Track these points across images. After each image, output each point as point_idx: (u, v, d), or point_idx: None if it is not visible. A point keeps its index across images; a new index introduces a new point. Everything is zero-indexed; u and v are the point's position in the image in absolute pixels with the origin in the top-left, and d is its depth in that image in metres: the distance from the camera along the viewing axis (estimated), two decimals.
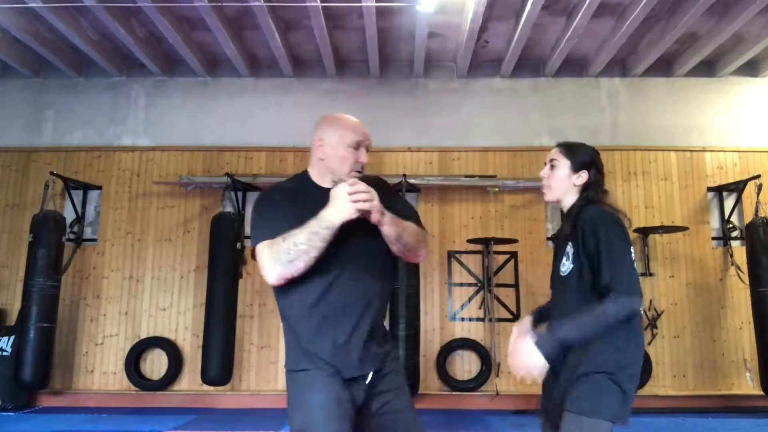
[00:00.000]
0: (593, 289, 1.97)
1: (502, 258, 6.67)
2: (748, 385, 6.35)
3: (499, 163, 6.86)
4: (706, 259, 6.64)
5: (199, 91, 7.11)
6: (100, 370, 6.45)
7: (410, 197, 6.63)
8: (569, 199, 2.15)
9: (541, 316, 2.28)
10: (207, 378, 5.89)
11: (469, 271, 6.67)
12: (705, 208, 6.76)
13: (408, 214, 2.04)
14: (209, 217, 6.35)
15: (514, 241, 6.53)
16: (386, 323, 2.19)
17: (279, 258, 1.83)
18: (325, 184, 1.98)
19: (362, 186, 1.82)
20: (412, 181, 6.49)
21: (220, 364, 5.84)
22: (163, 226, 6.76)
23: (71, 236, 6.54)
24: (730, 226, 6.64)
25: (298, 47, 6.71)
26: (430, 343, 6.47)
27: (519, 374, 1.97)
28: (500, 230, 6.68)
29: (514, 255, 6.66)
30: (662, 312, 6.47)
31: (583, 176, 2.13)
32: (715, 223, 6.75)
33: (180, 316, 6.56)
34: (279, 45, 6.20)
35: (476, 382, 6.34)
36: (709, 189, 6.78)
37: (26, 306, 5.86)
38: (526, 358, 1.94)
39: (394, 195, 2.11)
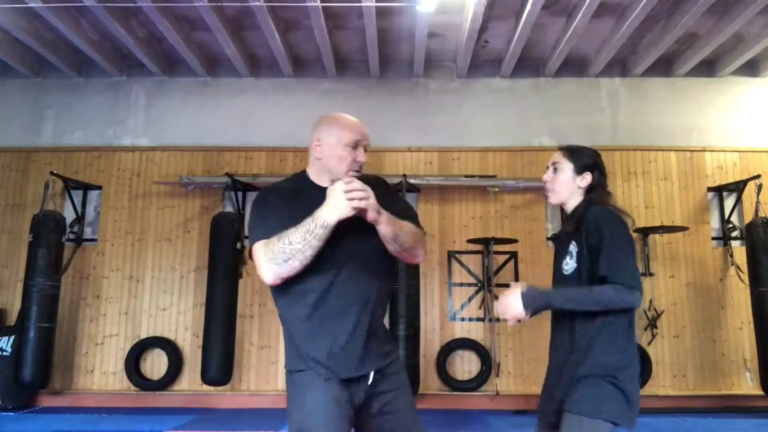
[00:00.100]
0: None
1: (502, 258, 6.67)
2: (748, 385, 6.35)
3: (499, 163, 6.86)
4: (706, 259, 6.64)
5: (199, 91, 7.11)
6: (100, 370, 6.46)
7: (410, 197, 6.63)
8: (574, 201, 2.17)
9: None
10: (207, 378, 5.89)
11: (469, 271, 6.67)
12: (705, 208, 6.76)
13: (406, 213, 2.03)
14: (209, 217, 6.35)
15: (514, 241, 6.54)
16: (386, 323, 2.19)
17: (274, 257, 1.82)
18: (324, 184, 1.97)
19: (358, 184, 1.81)
20: (412, 181, 6.50)
21: (220, 364, 5.84)
22: (163, 226, 6.76)
23: (71, 236, 6.54)
24: (730, 226, 6.63)
25: (298, 47, 6.71)
26: (430, 343, 6.47)
27: (501, 316, 2.03)
28: (500, 230, 6.68)
29: (514, 255, 6.66)
30: (662, 312, 6.47)
31: (587, 178, 2.14)
32: (715, 223, 6.75)
33: (180, 316, 6.56)
34: (279, 45, 6.20)
35: (476, 382, 6.34)
36: (709, 189, 6.78)
37: (26, 306, 5.86)
38: (508, 302, 1.98)
39: (393, 194, 2.11)
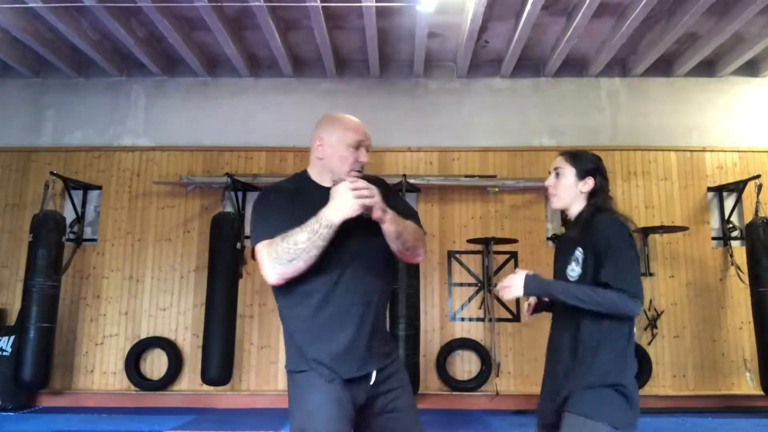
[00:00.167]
0: None
1: (502, 258, 6.67)
2: (748, 385, 6.35)
3: (499, 163, 6.86)
4: (706, 259, 6.64)
5: (199, 91, 7.11)
6: (100, 370, 6.46)
7: (410, 197, 6.64)
8: (577, 206, 2.17)
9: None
10: (207, 378, 5.89)
11: (469, 271, 6.67)
12: (705, 208, 6.76)
13: (407, 213, 2.04)
14: (209, 217, 6.35)
15: (514, 241, 6.54)
16: (386, 323, 2.19)
17: (279, 257, 1.82)
18: (325, 184, 1.98)
19: (363, 183, 1.82)
20: (412, 181, 6.50)
21: (220, 364, 5.84)
22: (163, 226, 6.76)
23: (71, 236, 6.54)
24: (730, 226, 6.63)
25: (298, 47, 6.71)
26: (430, 343, 6.47)
27: (500, 292, 2.09)
28: (500, 230, 6.68)
29: (514, 255, 6.66)
30: (662, 312, 6.47)
31: (589, 183, 2.15)
32: (715, 223, 6.75)
33: (180, 316, 6.56)
34: (279, 45, 6.20)
35: (476, 382, 6.34)
36: (709, 189, 6.78)
37: (26, 306, 5.86)
38: (512, 281, 2.05)
39: (393, 195, 2.11)
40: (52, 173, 6.27)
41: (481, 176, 6.73)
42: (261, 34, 6.06)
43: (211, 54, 6.84)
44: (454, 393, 6.34)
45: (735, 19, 5.63)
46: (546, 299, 2.27)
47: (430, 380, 6.37)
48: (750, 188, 6.40)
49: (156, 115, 7.06)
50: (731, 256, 6.51)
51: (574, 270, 2.07)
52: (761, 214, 6.05)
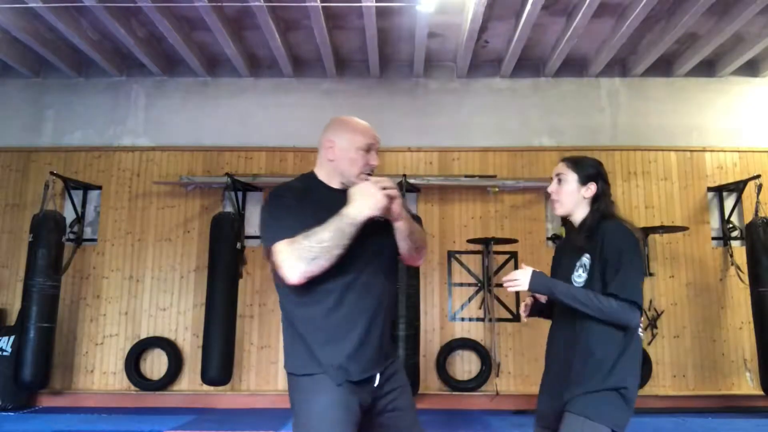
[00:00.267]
0: None
1: (502, 258, 6.67)
2: (748, 385, 6.35)
3: (499, 163, 6.86)
4: (706, 259, 6.64)
5: (199, 91, 7.11)
6: (100, 370, 6.46)
7: (410, 197, 6.65)
8: (580, 212, 2.18)
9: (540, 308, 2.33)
10: (207, 378, 5.89)
11: (469, 271, 6.67)
12: (705, 208, 6.76)
13: (412, 216, 2.08)
14: (209, 217, 6.35)
15: (514, 241, 6.54)
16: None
17: (301, 256, 1.79)
18: (334, 185, 2.00)
19: (387, 180, 1.86)
20: (412, 181, 6.50)
21: (220, 364, 5.84)
22: (163, 226, 6.76)
23: (71, 236, 6.54)
24: (730, 226, 6.63)
25: (298, 47, 6.71)
26: (430, 343, 6.47)
27: (505, 284, 2.09)
28: (500, 230, 6.68)
29: (514, 255, 6.66)
30: (662, 312, 6.47)
31: (592, 188, 2.16)
32: (715, 223, 6.75)
33: (180, 316, 6.56)
34: (279, 45, 6.20)
35: (476, 382, 6.34)
36: (709, 189, 6.78)
37: (26, 306, 5.86)
38: (518, 275, 2.06)
39: None
40: (52, 173, 6.27)
41: (481, 176, 6.73)
42: (261, 34, 6.06)
43: (211, 54, 6.84)
44: (454, 393, 6.34)
45: (735, 19, 5.63)
46: (543, 302, 2.28)
47: (430, 380, 6.37)
48: (750, 188, 6.40)
49: (156, 115, 7.06)
50: (731, 256, 6.51)
51: (580, 276, 2.07)
52: (761, 214, 6.05)
